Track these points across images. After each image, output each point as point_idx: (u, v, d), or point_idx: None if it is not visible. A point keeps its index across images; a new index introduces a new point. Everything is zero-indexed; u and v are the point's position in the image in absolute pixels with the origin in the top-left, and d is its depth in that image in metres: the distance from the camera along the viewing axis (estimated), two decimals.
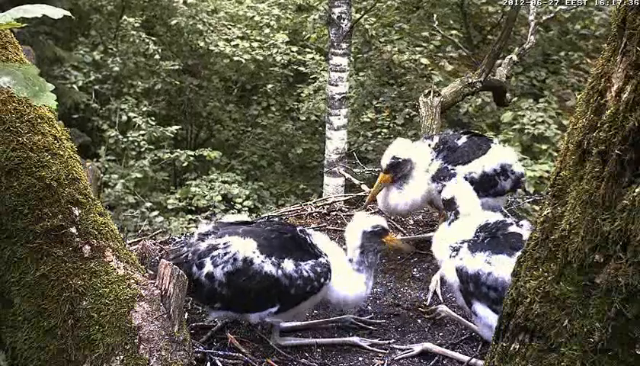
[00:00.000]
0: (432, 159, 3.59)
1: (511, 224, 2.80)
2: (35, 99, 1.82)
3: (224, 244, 2.72)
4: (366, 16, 9.92)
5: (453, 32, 10.72)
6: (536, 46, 10.46)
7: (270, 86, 12.10)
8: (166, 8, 11.77)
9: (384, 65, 10.56)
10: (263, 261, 2.71)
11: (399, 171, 3.45)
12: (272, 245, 2.77)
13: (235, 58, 11.02)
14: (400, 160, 3.43)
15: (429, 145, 3.66)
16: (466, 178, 3.49)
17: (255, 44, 11.28)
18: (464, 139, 3.68)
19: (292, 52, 11.41)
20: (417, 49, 10.34)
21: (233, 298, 2.72)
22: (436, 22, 8.04)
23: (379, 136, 10.35)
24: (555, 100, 9.54)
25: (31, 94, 1.81)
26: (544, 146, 8.65)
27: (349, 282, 2.91)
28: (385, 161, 3.45)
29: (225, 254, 2.69)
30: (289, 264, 2.74)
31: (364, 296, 2.97)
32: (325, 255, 2.87)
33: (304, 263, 2.77)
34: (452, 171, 3.52)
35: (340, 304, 2.99)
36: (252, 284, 2.69)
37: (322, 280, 2.80)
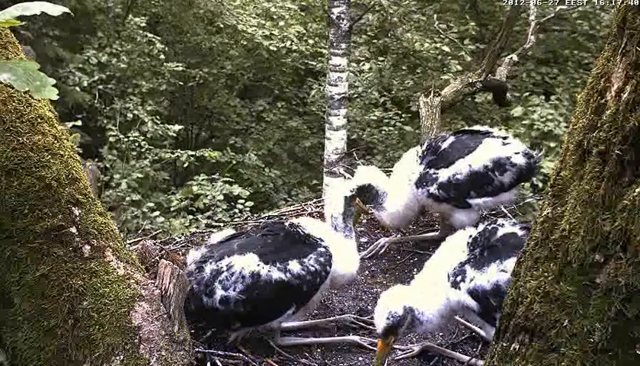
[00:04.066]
0: (418, 165, 3.56)
1: (497, 228, 2.74)
2: (37, 93, 1.82)
3: (227, 265, 2.72)
4: (386, 2, 9.90)
5: (471, 24, 10.73)
6: (544, 44, 10.50)
7: (282, 74, 12.21)
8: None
9: (402, 53, 10.57)
10: (269, 271, 2.72)
11: (366, 196, 3.49)
12: (271, 251, 2.78)
13: (256, 40, 11.08)
14: (357, 188, 3.49)
15: (416, 152, 3.63)
16: (450, 181, 3.45)
17: (276, 31, 11.34)
18: (450, 140, 3.61)
19: (307, 44, 11.47)
20: (436, 38, 10.33)
21: (251, 314, 2.72)
22: (437, 22, 8.03)
23: (384, 132, 10.43)
24: (567, 98, 9.50)
25: (32, 88, 1.81)
26: (552, 144, 8.61)
27: (346, 256, 2.96)
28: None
29: (232, 275, 2.69)
30: (294, 265, 2.76)
31: (359, 262, 3.10)
32: (321, 240, 2.90)
33: (307, 258, 2.80)
34: (435, 176, 3.48)
35: (343, 279, 3.03)
36: (266, 295, 2.70)
37: (328, 267, 2.84)
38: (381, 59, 10.89)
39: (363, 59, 11.22)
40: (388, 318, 2.55)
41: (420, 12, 10.85)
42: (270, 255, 2.76)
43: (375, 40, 11.15)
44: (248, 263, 2.72)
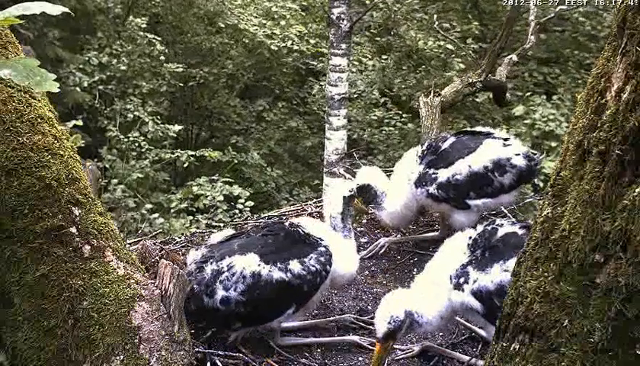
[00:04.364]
0: (417, 165, 3.57)
1: (496, 229, 2.73)
2: (37, 87, 1.82)
3: (227, 266, 2.72)
4: (390, 0, 9.91)
5: (474, 23, 10.74)
6: (546, 44, 10.50)
7: (282, 74, 12.25)
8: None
9: (405, 51, 10.58)
10: (270, 271, 2.72)
11: (365, 196, 3.57)
12: (272, 251, 2.78)
13: (258, 39, 11.12)
14: (357, 187, 3.56)
15: (416, 152, 3.63)
16: (449, 182, 3.45)
17: (277, 31, 11.38)
18: (451, 140, 3.61)
19: (309, 44, 11.50)
20: (439, 37, 10.34)
21: (251, 314, 2.73)
22: (437, 22, 8.04)
23: (384, 132, 10.44)
24: (569, 98, 9.50)
25: (33, 83, 1.81)
26: (553, 143, 8.59)
27: (346, 256, 2.97)
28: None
29: (233, 275, 2.69)
30: (295, 265, 2.76)
31: (358, 262, 3.10)
32: (321, 239, 2.90)
33: (307, 258, 2.80)
34: (434, 176, 3.48)
35: (343, 279, 3.03)
36: (267, 295, 2.70)
37: (328, 267, 2.84)
38: (384, 57, 10.90)
39: (366, 58, 11.23)
40: (389, 323, 2.55)
41: (423, 11, 10.87)
42: (271, 255, 2.75)
43: (378, 38, 11.17)
44: (248, 263, 2.72)
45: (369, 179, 3.61)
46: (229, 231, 3.11)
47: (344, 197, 3.09)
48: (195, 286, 2.69)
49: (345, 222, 3.06)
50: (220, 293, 2.67)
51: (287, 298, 2.76)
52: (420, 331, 2.74)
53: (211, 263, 2.75)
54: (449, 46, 9.95)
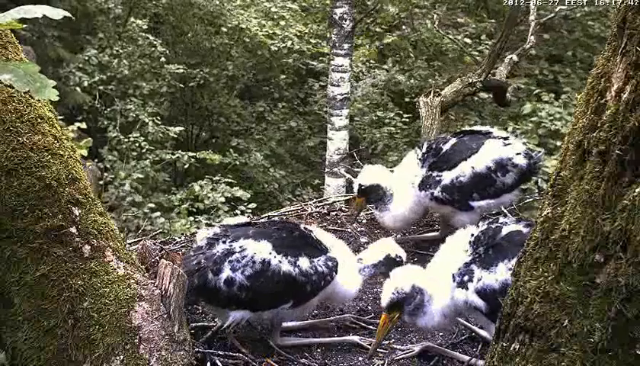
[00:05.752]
0: (419, 168, 3.55)
1: (501, 226, 2.71)
2: (37, 94, 1.83)
3: (240, 247, 2.73)
4: None
5: (491, 21, 10.78)
6: (552, 44, 10.52)
7: (283, 76, 12.28)
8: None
9: (419, 46, 10.61)
10: (280, 262, 2.74)
11: (372, 196, 3.57)
12: (284, 245, 2.80)
13: (259, 39, 11.16)
14: (365, 187, 3.58)
15: (416, 155, 3.61)
16: (453, 184, 3.43)
17: (278, 31, 11.43)
18: (452, 141, 3.58)
19: (310, 43, 11.53)
20: (454, 31, 10.37)
21: (251, 300, 2.73)
22: (437, 22, 8.04)
23: (386, 131, 10.47)
24: (577, 97, 9.48)
25: (33, 89, 1.82)
26: (559, 143, 8.57)
27: (351, 278, 2.95)
28: (355, 187, 3.65)
29: (244, 258, 2.70)
30: (304, 262, 2.78)
31: (360, 286, 3.04)
32: (330, 249, 2.91)
33: (317, 259, 2.82)
34: (438, 178, 3.47)
35: (339, 298, 3.01)
36: (271, 285, 2.71)
37: (333, 273, 2.85)
38: (405, 49, 10.93)
39: (371, 61, 11.26)
40: (393, 293, 2.59)
41: (432, 7, 10.91)
42: (283, 248, 2.77)
43: (389, 32, 11.20)
44: (261, 249, 2.73)
45: (378, 179, 3.57)
46: (243, 218, 3.10)
47: (388, 254, 3.00)
48: (202, 261, 2.70)
49: (371, 270, 3.00)
50: (226, 272, 2.68)
51: (288, 292, 2.77)
52: (422, 322, 2.72)
53: (223, 242, 2.76)
54: (467, 40, 9.95)
